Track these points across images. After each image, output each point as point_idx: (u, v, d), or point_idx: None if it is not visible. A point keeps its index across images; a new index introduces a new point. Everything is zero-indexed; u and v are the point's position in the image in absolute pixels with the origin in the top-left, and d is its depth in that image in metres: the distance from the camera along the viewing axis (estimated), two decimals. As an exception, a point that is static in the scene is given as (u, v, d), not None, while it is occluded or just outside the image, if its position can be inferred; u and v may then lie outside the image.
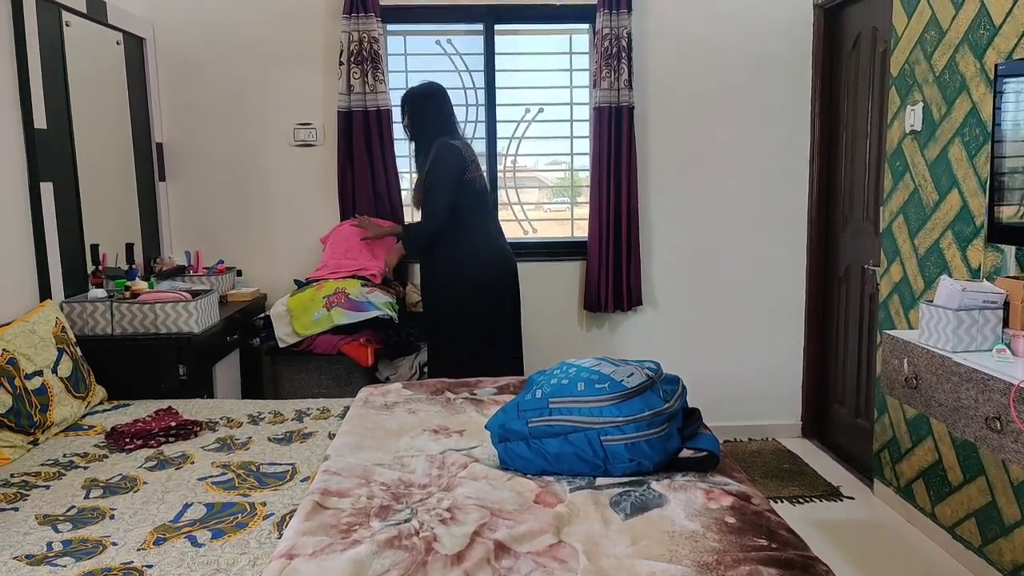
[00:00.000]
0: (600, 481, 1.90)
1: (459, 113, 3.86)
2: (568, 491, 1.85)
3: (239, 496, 1.92)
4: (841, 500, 3.32)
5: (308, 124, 3.78)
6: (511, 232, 3.99)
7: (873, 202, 3.42)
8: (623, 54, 3.62)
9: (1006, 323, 2.29)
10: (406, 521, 1.70)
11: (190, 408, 2.64)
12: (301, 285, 3.59)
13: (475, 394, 2.67)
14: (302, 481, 2.02)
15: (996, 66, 2.35)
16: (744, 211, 3.92)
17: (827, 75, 3.79)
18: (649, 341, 3.88)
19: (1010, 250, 2.42)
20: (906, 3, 3.00)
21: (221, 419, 2.54)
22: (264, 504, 1.87)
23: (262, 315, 3.53)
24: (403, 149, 3.85)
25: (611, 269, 3.76)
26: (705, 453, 1.98)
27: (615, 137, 3.69)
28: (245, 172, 3.80)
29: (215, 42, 3.72)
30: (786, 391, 4.02)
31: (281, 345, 3.36)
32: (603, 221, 3.73)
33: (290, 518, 1.76)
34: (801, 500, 3.30)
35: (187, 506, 1.86)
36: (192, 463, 2.15)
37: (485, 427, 2.07)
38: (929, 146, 2.88)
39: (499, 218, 3.57)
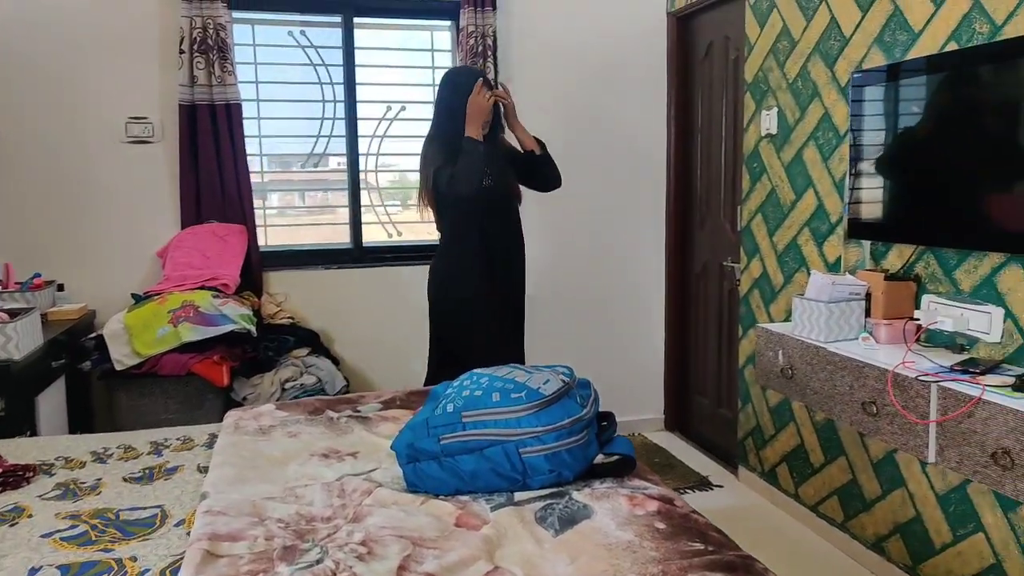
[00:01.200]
0: (519, 496, 1.81)
1: (315, 110, 3.65)
2: (489, 510, 1.74)
3: (100, 552, 1.63)
4: (711, 489, 3.44)
5: (143, 118, 3.39)
6: (375, 236, 3.82)
7: (730, 202, 3.58)
8: (488, 52, 3.55)
9: (868, 313, 2.46)
10: (318, 562, 1.52)
11: (13, 449, 2.23)
12: (140, 299, 3.21)
13: (359, 411, 2.49)
14: (176, 526, 1.76)
15: (852, 74, 2.51)
16: (606, 211, 3.98)
17: (682, 80, 3.93)
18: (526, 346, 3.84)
19: (866, 245, 2.60)
20: (758, 14, 3.16)
21: (57, 460, 2.17)
22: (134, 559, 1.60)
23: (93, 335, 3.11)
24: (254, 147, 3.56)
25: (480, 272, 3.67)
26: (618, 457, 1.95)
27: (481, 137, 3.60)
28: (66, 173, 3.35)
29: (31, 27, 3.24)
30: (649, 386, 4.14)
31: (118, 368, 2.98)
32: (471, 223, 3.64)
33: (171, 574, 1.53)
34: (678, 492, 3.38)
35: (34, 571, 1.55)
36: (30, 517, 1.81)
37: (391, 448, 1.91)
38: (784, 149, 3.05)
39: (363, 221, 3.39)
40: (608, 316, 4.03)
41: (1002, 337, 2.13)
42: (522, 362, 3.00)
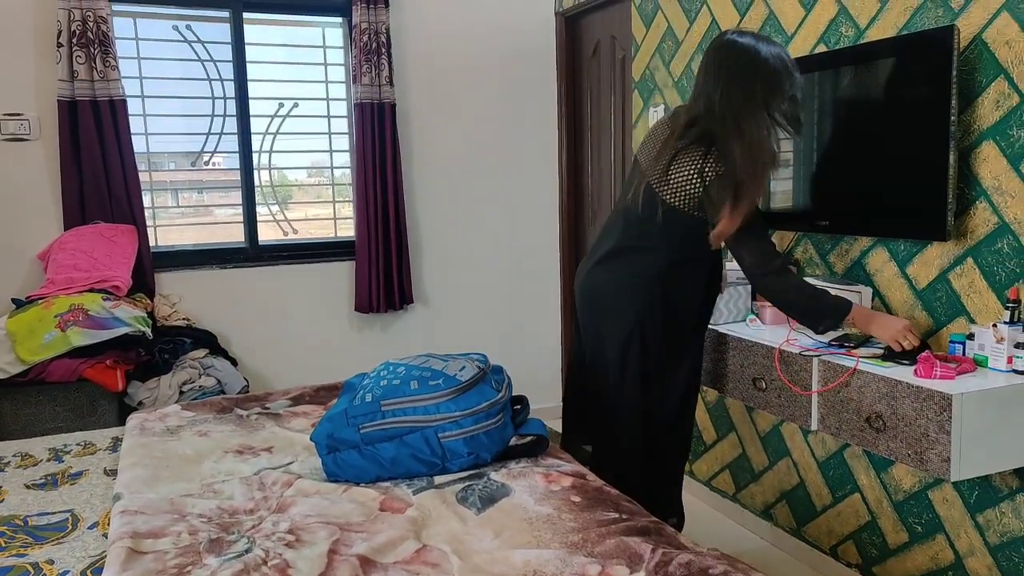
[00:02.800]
0: (439, 479, 1.86)
1: (205, 107, 3.55)
2: (411, 494, 1.79)
3: (13, 558, 1.57)
4: (612, 471, 3.59)
5: (18, 115, 3.20)
6: (270, 235, 3.75)
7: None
8: (383, 49, 3.56)
9: (754, 296, 2.65)
10: (247, 551, 1.52)
11: None
12: (21, 304, 3.04)
13: (268, 408, 2.47)
14: (90, 528, 1.71)
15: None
16: (502, 207, 4.06)
17: (571, 79, 4.07)
18: (422, 338, 3.88)
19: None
20: (643, 15, 3.32)
21: (-51, 471, 2.06)
22: (51, 562, 1.55)
23: (-29, 343, 2.92)
24: (141, 145, 3.42)
25: (381, 269, 3.69)
26: (533, 438, 2.03)
27: (378, 134, 3.62)
28: (-69, 171, 3.12)
29: None
30: (548, 375, 4.26)
31: (1, 376, 2.82)
32: (370, 220, 3.64)
33: (92, 573, 1.49)
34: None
35: (-58, 581, 1.49)
36: (-70, 529, 1.72)
37: (311, 439, 1.91)
38: (673, 144, 3.22)
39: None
40: (508, 309, 4.13)
41: (870, 313, 2.35)
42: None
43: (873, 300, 2.35)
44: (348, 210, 3.84)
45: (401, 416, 1.86)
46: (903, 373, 1.94)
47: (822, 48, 2.45)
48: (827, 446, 2.58)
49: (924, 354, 1.97)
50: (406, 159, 3.80)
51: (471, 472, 1.89)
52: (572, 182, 4.14)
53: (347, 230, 3.84)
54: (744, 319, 2.60)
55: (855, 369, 2.03)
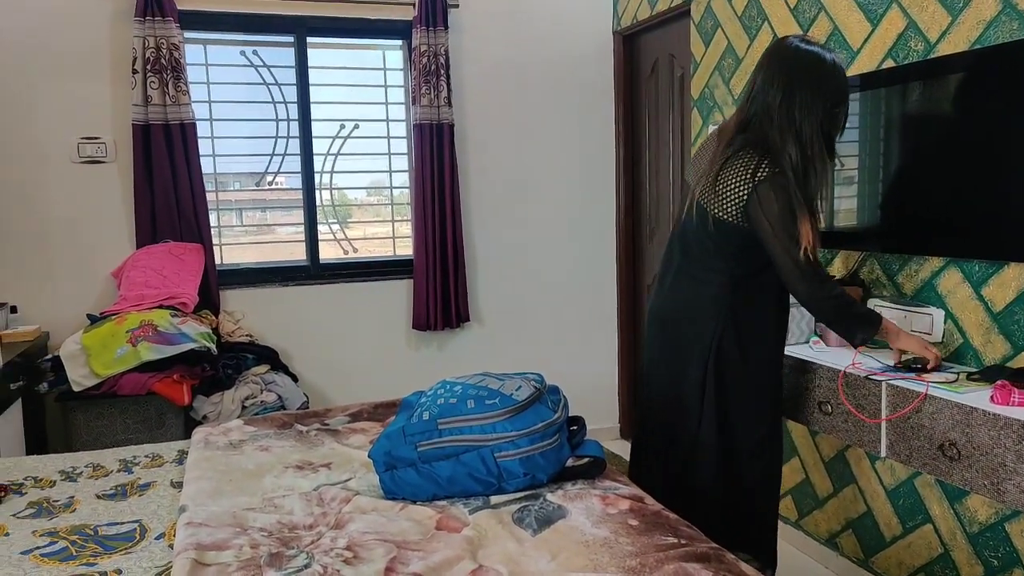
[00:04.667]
0: (495, 500, 1.85)
1: (269, 129, 3.65)
2: (468, 513, 1.78)
3: (84, 567, 1.62)
4: (669, 494, 3.52)
5: (96, 138, 3.35)
6: (331, 253, 3.83)
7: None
8: (442, 71, 3.61)
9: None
10: (306, 567, 1.54)
11: (-24, 472, 2.20)
12: (96, 320, 3.15)
13: (327, 424, 2.50)
14: (157, 539, 1.76)
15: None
16: (558, 226, 4.06)
17: (629, 97, 4.06)
18: (478, 356, 3.89)
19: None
20: (703, 32, 3.30)
21: (26, 479, 2.13)
22: (119, 572, 1.59)
23: (49, 356, 3.04)
24: (208, 166, 3.54)
25: (438, 287, 3.72)
26: (589, 459, 2.00)
27: (436, 154, 3.66)
28: (17, 194, 3.28)
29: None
30: (604, 395, 4.22)
31: (76, 389, 2.92)
32: (428, 239, 3.69)
33: (159, 584, 1.53)
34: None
35: (20, 587, 1.54)
36: (6, 535, 1.79)
37: (368, 456, 1.93)
38: (732, 162, 3.18)
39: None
40: (564, 328, 4.11)
41: (943, 337, 2.27)
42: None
43: (945, 323, 2.26)
44: (406, 229, 3.90)
45: (458, 435, 1.86)
46: (978, 399, 1.87)
47: (890, 63, 2.39)
48: (896, 474, 2.49)
49: (1000, 381, 1.89)
50: (463, 179, 3.84)
51: (527, 493, 1.88)
52: (629, 201, 4.12)
53: (405, 249, 3.89)
54: (807, 341, 2.54)
55: (925, 395, 1.96)
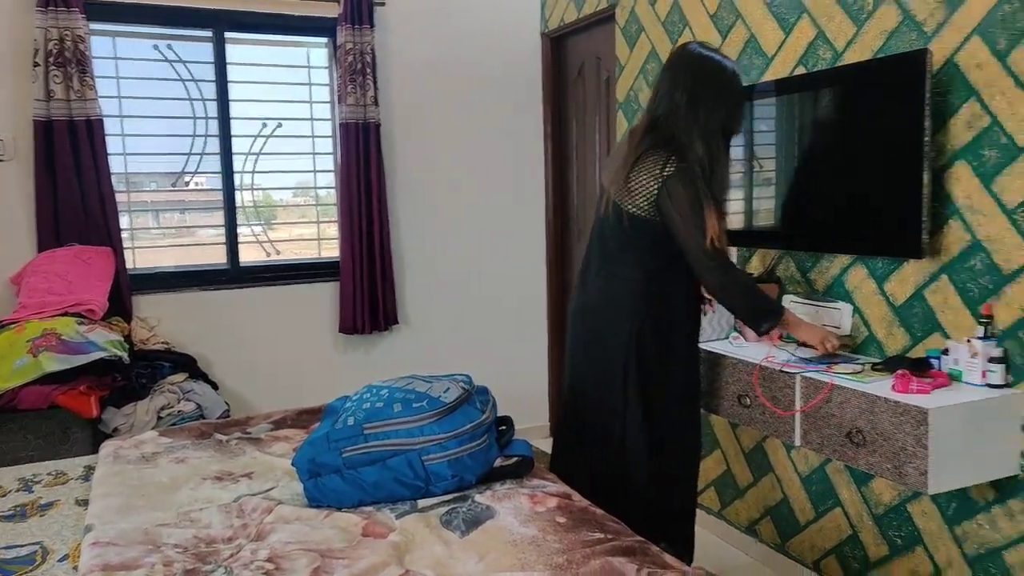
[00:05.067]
0: (422, 503, 1.85)
1: (186, 127, 3.54)
2: (394, 518, 1.77)
3: (-18, 592, 1.54)
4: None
5: (-6, 136, 3.18)
6: (253, 256, 3.73)
7: (603, 214, 3.76)
8: (368, 70, 3.57)
9: (735, 314, 2.66)
10: (226, 581, 1.50)
11: None
12: (-6, 329, 2.99)
13: (249, 432, 2.44)
14: (60, 561, 1.67)
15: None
16: (488, 226, 4.06)
17: (557, 98, 4.10)
18: (407, 359, 3.85)
19: (733, 251, 2.81)
20: (628, 36, 3.36)
21: (-83, 503, 2.01)
22: (22, 596, 1.52)
23: (-57, 369, 2.87)
24: (119, 165, 3.40)
25: (365, 289, 3.67)
26: (518, 459, 2.02)
27: (363, 154, 3.62)
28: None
29: None
30: (535, 394, 4.25)
31: (-27, 403, 2.77)
32: (354, 240, 3.63)
33: (66, 606, 1.46)
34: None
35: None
36: None
37: (292, 463, 1.90)
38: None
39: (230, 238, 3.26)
40: (495, 328, 4.12)
41: (851, 330, 2.38)
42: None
43: (853, 317, 2.37)
44: (332, 230, 3.83)
45: (384, 439, 1.85)
46: (881, 388, 1.96)
47: (801, 70, 2.49)
48: (809, 461, 2.59)
49: (901, 370, 1.99)
50: (391, 179, 3.80)
51: (455, 495, 1.88)
52: (558, 202, 4.16)
53: (332, 251, 3.83)
54: (727, 336, 2.62)
55: (831, 386, 2.05)
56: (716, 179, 2.11)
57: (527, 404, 4.20)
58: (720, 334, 2.61)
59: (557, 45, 4.05)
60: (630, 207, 2.15)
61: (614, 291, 2.24)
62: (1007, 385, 1.95)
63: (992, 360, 1.96)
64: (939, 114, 2.05)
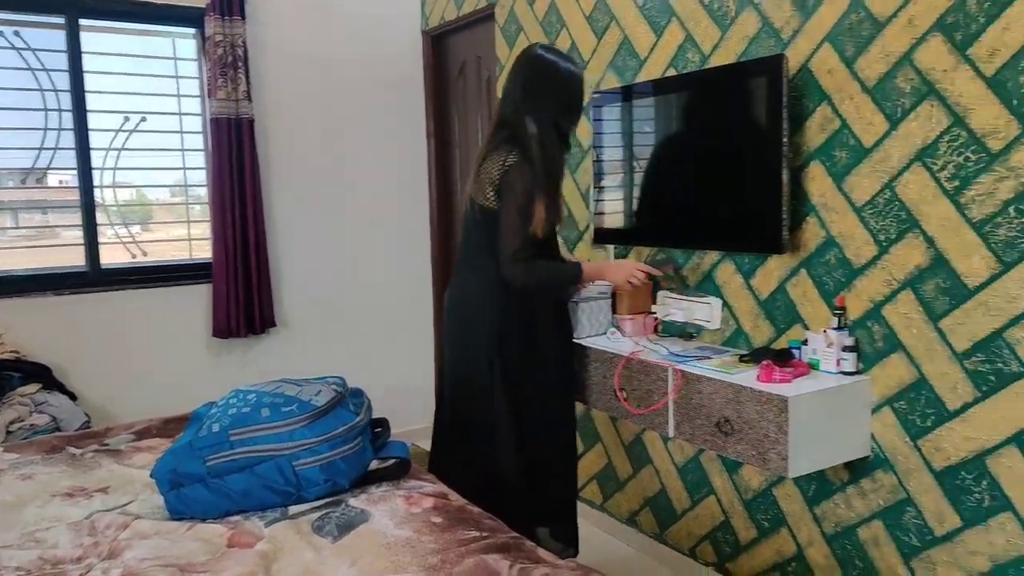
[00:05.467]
0: (293, 510, 1.79)
1: (38, 119, 3.29)
2: (264, 526, 1.70)
3: None
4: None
5: None
6: (116, 256, 3.51)
7: (486, 213, 3.76)
8: (240, 63, 3.43)
9: (615, 310, 2.72)
10: (73, 604, 1.39)
11: None
12: None
13: (107, 444, 2.29)
14: None
15: (592, 95, 2.77)
16: (370, 226, 3.99)
17: (439, 97, 4.07)
18: (286, 362, 3.73)
19: (611, 249, 2.88)
20: (507, 35, 3.37)
21: None
22: None
23: None
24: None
25: (240, 291, 3.53)
26: (395, 461, 1.98)
27: (236, 151, 3.47)
28: None
29: None
30: (421, 395, 4.20)
31: None
32: (228, 240, 3.48)
33: None
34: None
35: None
36: None
37: (150, 475, 1.79)
38: (534, 163, 3.27)
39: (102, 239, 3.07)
40: (378, 329, 4.05)
41: (721, 324, 2.47)
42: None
43: (723, 310, 2.46)
44: (205, 230, 3.66)
45: (252, 446, 1.78)
46: (746, 379, 2.05)
47: (672, 72, 2.56)
48: (685, 452, 2.67)
49: (765, 361, 2.08)
50: (267, 177, 3.67)
51: (328, 500, 1.82)
52: (442, 201, 4.13)
53: (204, 252, 3.65)
54: (605, 332, 2.67)
55: (680, 373, 2.15)
56: (550, 173, 2.21)
57: (412, 405, 4.15)
58: (599, 329, 2.66)
59: (438, 43, 4.02)
60: (481, 199, 2.25)
61: (477, 285, 2.30)
62: (858, 372, 2.08)
63: (845, 349, 2.07)
64: (796, 117, 2.16)
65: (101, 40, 3.41)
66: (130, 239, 3.55)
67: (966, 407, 1.86)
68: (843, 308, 2.09)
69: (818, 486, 2.23)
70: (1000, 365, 1.78)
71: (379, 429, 2.01)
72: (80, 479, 2.01)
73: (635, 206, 2.67)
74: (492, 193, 2.22)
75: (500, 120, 2.30)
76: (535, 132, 2.19)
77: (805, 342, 2.17)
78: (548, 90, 2.25)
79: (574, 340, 2.55)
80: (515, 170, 2.17)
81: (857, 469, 2.12)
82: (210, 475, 1.75)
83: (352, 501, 1.81)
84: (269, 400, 1.83)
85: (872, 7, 1.97)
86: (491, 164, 2.23)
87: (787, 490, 2.32)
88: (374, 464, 1.98)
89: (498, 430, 2.26)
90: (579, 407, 3.10)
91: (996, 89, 1.74)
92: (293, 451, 1.78)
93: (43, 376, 3.14)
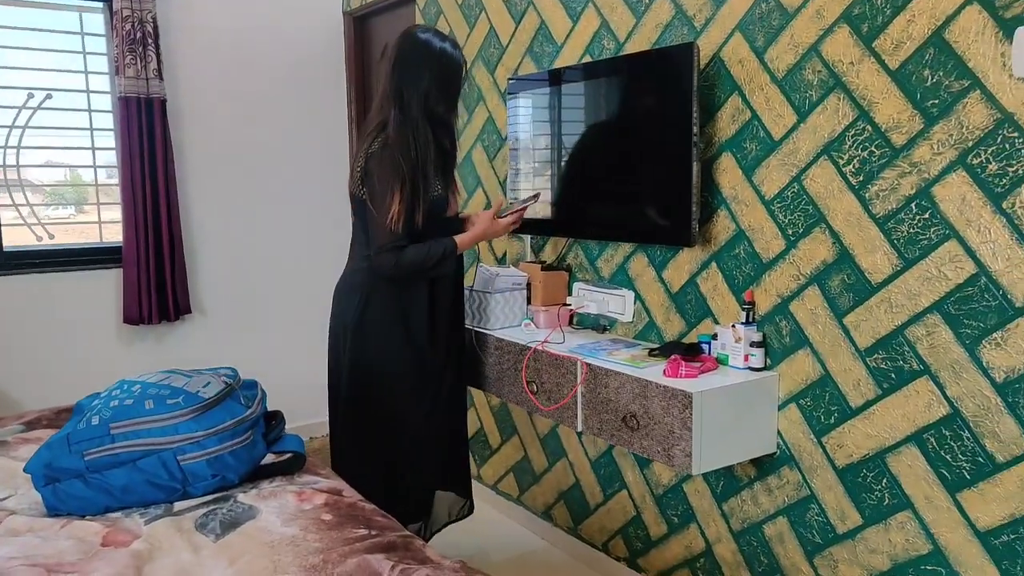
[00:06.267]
0: (179, 506, 1.71)
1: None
2: (143, 524, 1.62)
3: None
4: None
5: None
6: (21, 238, 3.34)
7: (412, 201, 3.69)
8: (149, 39, 3.28)
9: (530, 301, 2.69)
10: (-82, 610, 1.30)
11: None
12: None
13: (-7, 435, 2.17)
14: None
15: (508, 81, 2.73)
16: (290, 210, 3.88)
17: (361, 80, 3.97)
18: (200, 351, 3.61)
19: (527, 239, 2.84)
20: (427, 18, 3.30)
21: None
22: None
23: None
24: None
25: (152, 276, 3.39)
26: (290, 455, 1.92)
27: (147, 131, 3.33)
28: None
29: None
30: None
31: None
32: (138, 223, 3.34)
33: None
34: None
35: None
36: None
37: (24, 469, 1.69)
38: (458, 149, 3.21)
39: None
40: (296, 318, 3.94)
41: (633, 317, 2.46)
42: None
43: (635, 303, 2.45)
44: (117, 213, 3.51)
45: (134, 439, 1.69)
46: (653, 373, 2.03)
47: (588, 59, 2.53)
48: (599, 446, 2.66)
49: (674, 356, 2.07)
50: (181, 159, 3.53)
51: (217, 495, 1.75)
52: (365, 187, 4.03)
53: (115, 235, 3.50)
54: (519, 323, 2.63)
55: (587, 366, 2.13)
56: (412, 159, 2.13)
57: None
58: (513, 321, 2.63)
59: (360, 25, 3.92)
60: (352, 189, 2.23)
61: (348, 274, 2.33)
62: (766, 368, 2.08)
63: (753, 344, 2.07)
64: (709, 107, 2.15)
65: (4, 13, 3.23)
66: (35, 221, 3.38)
67: (868, 404, 1.87)
68: (752, 303, 2.09)
69: (726, 482, 2.23)
70: (901, 363, 1.80)
71: (273, 423, 1.94)
72: (-46, 474, 1.89)
73: (551, 196, 2.63)
74: (360, 182, 2.18)
75: (377, 106, 2.23)
76: (402, 117, 2.13)
77: (715, 337, 2.17)
78: (418, 69, 2.16)
79: (486, 331, 2.52)
80: (374, 158, 2.12)
81: (764, 466, 2.13)
82: (88, 470, 1.66)
83: (241, 497, 1.74)
84: (155, 392, 1.75)
85: (782, -2, 1.96)
86: (360, 152, 2.20)
87: (696, 486, 2.33)
88: (270, 458, 1.91)
89: (353, 415, 2.32)
90: (495, 398, 3.07)
91: (900, 82, 1.75)
92: (178, 445, 1.70)
93: (-66, 364, 2.98)
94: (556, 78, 2.56)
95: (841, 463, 1.94)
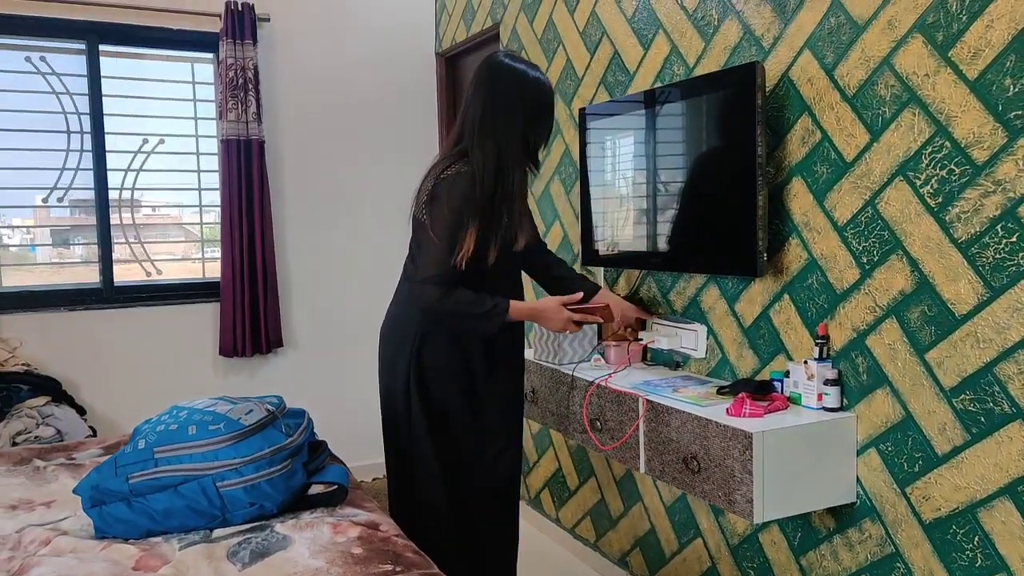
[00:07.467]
0: (218, 532, 1.72)
1: (59, 141, 3.40)
2: (177, 550, 1.64)
3: None
4: (484, 520, 3.45)
5: None
6: (131, 275, 3.58)
7: (496, 236, 3.68)
8: (250, 86, 3.47)
9: (600, 336, 2.59)
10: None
11: None
12: None
13: (74, 458, 2.29)
14: None
15: (582, 112, 2.67)
16: (379, 247, 3.95)
17: (452, 119, 4.03)
18: (290, 383, 3.72)
19: (600, 271, 2.75)
20: (511, 56, 3.31)
21: None
22: None
23: None
24: None
25: (247, 310, 3.54)
26: (335, 487, 1.90)
27: (246, 172, 3.51)
28: None
29: None
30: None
31: None
32: (236, 259, 3.51)
33: None
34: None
35: None
36: None
37: (73, 491, 1.76)
38: (535, 183, 3.18)
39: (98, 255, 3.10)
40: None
41: (706, 352, 2.31)
42: None
43: (708, 338, 2.30)
44: (219, 250, 3.70)
45: (176, 464, 1.72)
46: (716, 412, 1.89)
47: (659, 85, 2.44)
48: (673, 490, 2.50)
49: (741, 394, 1.92)
50: (278, 198, 3.70)
51: (255, 524, 1.75)
52: (454, 223, 4.07)
53: (214, 271, 3.69)
54: (589, 359, 2.54)
55: (647, 403, 1.99)
56: (499, 193, 1.97)
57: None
58: (582, 356, 2.53)
59: (451, 64, 3.99)
60: (416, 212, 2.08)
61: (403, 307, 2.16)
62: (842, 408, 1.89)
63: (827, 383, 1.89)
64: (778, 130, 2.01)
65: (123, 65, 3.51)
66: (145, 258, 3.61)
67: (956, 451, 1.65)
68: (826, 337, 1.91)
69: (804, 534, 2.03)
70: (991, 405, 1.58)
71: (317, 453, 1.93)
72: (31, 492, 2.00)
73: (622, 227, 2.54)
74: (425, 205, 2.01)
75: (456, 135, 2.06)
76: (490, 146, 1.96)
77: (787, 374, 1.99)
78: (512, 100, 1.99)
79: (554, 366, 2.43)
80: (448, 182, 1.95)
81: (843, 517, 1.92)
82: (132, 494, 1.71)
83: (279, 527, 1.74)
84: (199, 418, 1.78)
85: (851, 9, 1.81)
86: (429, 176, 2.05)
87: (772, 536, 2.13)
88: (317, 489, 1.90)
89: (417, 458, 2.10)
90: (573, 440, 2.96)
91: (980, 94, 1.57)
92: (217, 471, 1.72)
93: (51, 389, 3.20)
94: (620, 108, 2.48)
95: (928, 517, 1.71)
